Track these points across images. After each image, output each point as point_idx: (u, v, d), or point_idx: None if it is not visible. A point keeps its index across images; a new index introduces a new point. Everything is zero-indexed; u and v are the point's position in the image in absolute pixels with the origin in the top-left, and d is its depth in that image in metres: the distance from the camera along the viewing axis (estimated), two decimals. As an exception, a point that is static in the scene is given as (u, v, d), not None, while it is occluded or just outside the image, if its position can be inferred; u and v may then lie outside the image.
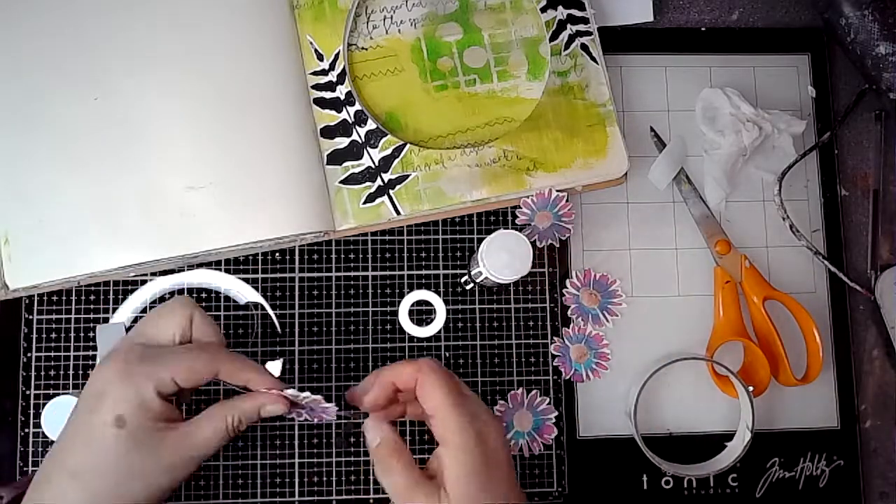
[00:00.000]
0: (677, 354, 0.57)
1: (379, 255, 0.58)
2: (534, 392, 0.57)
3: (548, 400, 0.57)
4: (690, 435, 0.58)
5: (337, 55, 0.57)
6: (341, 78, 0.57)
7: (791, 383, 0.57)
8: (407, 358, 0.57)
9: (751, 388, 0.55)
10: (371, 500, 0.56)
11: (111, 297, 0.56)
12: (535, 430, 0.56)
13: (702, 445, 0.58)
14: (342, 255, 0.58)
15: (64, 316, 0.56)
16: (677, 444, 0.58)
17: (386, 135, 0.57)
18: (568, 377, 0.58)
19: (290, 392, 0.46)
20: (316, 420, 0.53)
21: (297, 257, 0.58)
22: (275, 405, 0.46)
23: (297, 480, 0.56)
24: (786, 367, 0.56)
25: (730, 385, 0.57)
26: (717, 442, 0.57)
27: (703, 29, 0.63)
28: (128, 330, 0.55)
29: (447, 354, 0.57)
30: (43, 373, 0.55)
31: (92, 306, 0.56)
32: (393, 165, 0.56)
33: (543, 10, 0.59)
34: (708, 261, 0.60)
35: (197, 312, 0.47)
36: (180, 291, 0.57)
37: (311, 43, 0.57)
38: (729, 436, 0.57)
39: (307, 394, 0.47)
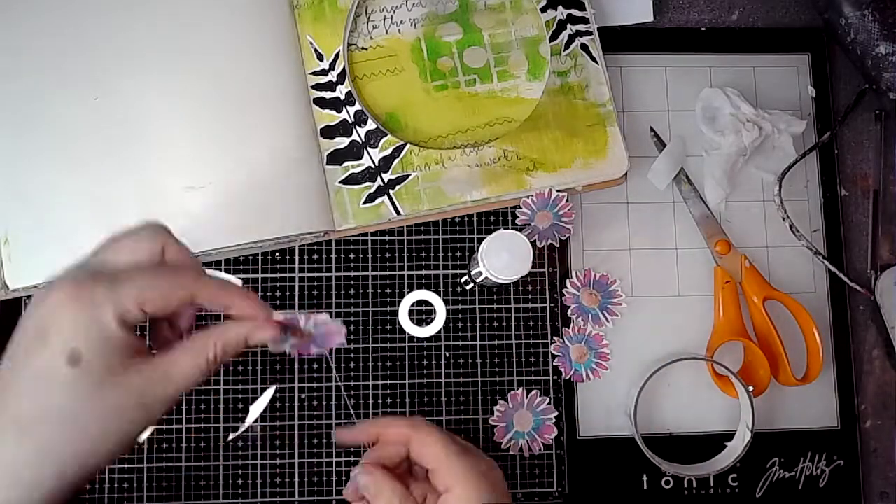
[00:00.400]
0: (677, 354, 0.57)
1: (379, 255, 0.58)
2: (534, 392, 0.57)
3: (548, 400, 0.57)
4: (690, 435, 0.58)
5: (337, 55, 0.57)
6: (341, 78, 0.57)
7: (791, 383, 0.57)
8: (407, 358, 0.57)
9: (751, 388, 0.55)
10: (371, 500, 0.56)
11: (111, 297, 0.56)
12: (535, 430, 0.56)
13: (702, 445, 0.58)
14: (342, 255, 0.58)
15: (64, 316, 0.56)
16: (677, 444, 0.58)
17: (386, 135, 0.57)
18: (568, 377, 0.58)
19: (281, 315, 0.40)
20: (315, 352, 0.43)
21: (297, 257, 0.58)
22: (263, 332, 0.39)
23: (297, 480, 0.56)
24: (786, 367, 0.56)
25: (730, 385, 0.57)
26: (717, 442, 0.57)
27: (703, 29, 0.63)
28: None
29: (447, 354, 0.57)
30: (43, 373, 0.55)
31: (92, 306, 0.56)
32: (393, 165, 0.56)
33: (543, 10, 0.59)
34: (708, 261, 0.60)
35: (170, 241, 0.38)
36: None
37: (311, 43, 0.57)
38: (729, 436, 0.57)
39: (304, 315, 0.41)
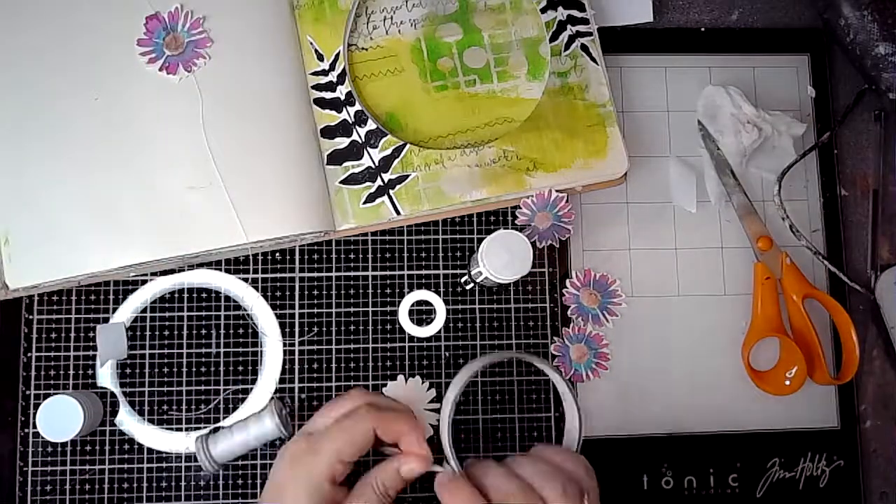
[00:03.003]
0: (679, 354, 0.57)
1: (379, 255, 0.58)
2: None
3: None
4: (690, 435, 0.58)
5: (337, 55, 0.57)
6: (341, 78, 0.57)
7: (826, 382, 0.57)
8: (407, 358, 0.57)
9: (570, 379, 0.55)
10: (371, 501, 0.56)
11: (111, 297, 0.56)
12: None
13: (701, 445, 0.58)
14: (342, 255, 0.58)
15: (64, 316, 0.56)
16: (677, 443, 0.57)
17: (386, 135, 0.57)
18: (568, 377, 0.58)
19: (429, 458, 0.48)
20: None
21: (297, 257, 0.58)
22: (410, 464, 0.48)
23: (297, 480, 0.56)
24: (822, 365, 0.56)
25: (765, 380, 0.57)
26: (716, 442, 0.57)
27: (702, 29, 0.63)
28: (128, 330, 0.56)
29: (447, 354, 0.57)
30: (43, 373, 0.55)
31: (92, 306, 0.56)
32: (393, 165, 0.56)
33: (543, 10, 0.59)
34: (707, 260, 0.60)
35: (371, 402, 0.49)
36: (180, 291, 0.57)
37: (311, 43, 0.57)
38: (728, 437, 0.57)
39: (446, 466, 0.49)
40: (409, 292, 0.58)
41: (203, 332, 0.56)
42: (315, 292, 0.57)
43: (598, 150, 0.58)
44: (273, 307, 0.57)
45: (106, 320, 0.56)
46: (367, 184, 0.56)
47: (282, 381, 0.56)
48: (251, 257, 0.57)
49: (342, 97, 0.57)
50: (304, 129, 0.56)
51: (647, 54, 0.62)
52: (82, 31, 0.55)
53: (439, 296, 0.58)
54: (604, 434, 0.57)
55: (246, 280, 0.57)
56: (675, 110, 0.61)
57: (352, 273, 0.58)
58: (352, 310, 0.57)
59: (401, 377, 0.56)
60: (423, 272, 0.58)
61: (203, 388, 0.56)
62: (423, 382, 0.56)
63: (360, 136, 0.57)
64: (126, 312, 0.56)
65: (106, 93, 0.55)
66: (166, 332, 0.56)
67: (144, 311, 0.56)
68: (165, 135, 0.55)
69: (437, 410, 0.56)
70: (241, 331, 0.57)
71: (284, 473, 0.47)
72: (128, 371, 0.56)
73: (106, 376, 0.56)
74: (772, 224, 0.60)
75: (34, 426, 0.54)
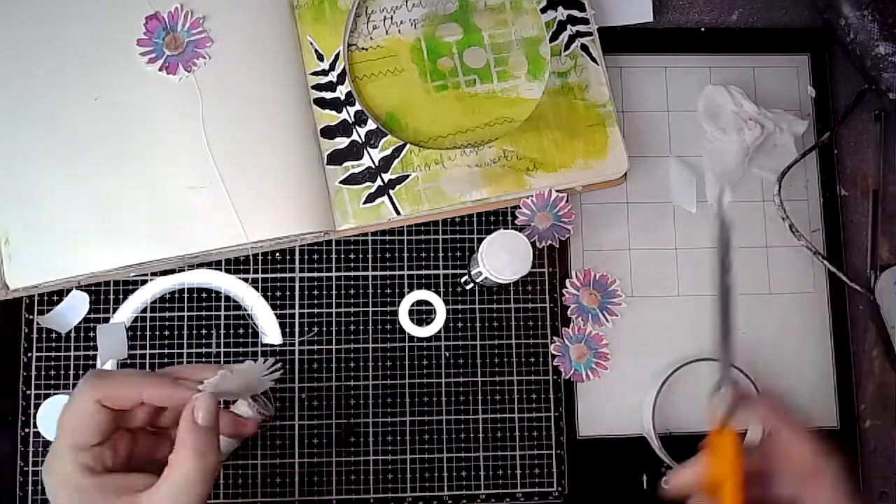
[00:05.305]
0: (680, 353, 0.57)
1: (379, 255, 0.58)
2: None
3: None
4: (691, 435, 0.58)
5: (337, 55, 0.57)
6: (341, 78, 0.57)
7: None
8: (407, 358, 0.57)
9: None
10: (371, 500, 0.56)
11: (111, 297, 0.56)
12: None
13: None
14: (342, 255, 0.58)
15: (64, 316, 0.56)
16: (677, 443, 0.57)
17: (386, 135, 0.57)
18: (568, 377, 0.58)
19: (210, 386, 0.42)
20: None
21: (297, 257, 0.58)
22: (197, 409, 0.42)
23: (297, 480, 0.56)
24: None
25: None
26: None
27: (702, 29, 0.63)
28: (128, 330, 0.56)
29: (447, 354, 0.57)
30: (43, 373, 0.55)
31: (92, 306, 0.56)
32: (393, 165, 0.56)
33: (543, 10, 0.59)
34: (707, 260, 0.60)
35: (104, 388, 0.42)
36: (180, 291, 0.57)
37: (311, 43, 0.57)
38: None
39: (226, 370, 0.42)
40: (409, 292, 0.58)
41: (203, 332, 0.56)
42: (315, 292, 0.57)
43: (598, 150, 0.58)
44: (273, 307, 0.57)
45: (106, 320, 0.56)
46: (367, 184, 0.56)
47: (282, 380, 0.56)
48: (251, 257, 0.57)
49: (342, 97, 0.57)
50: (304, 129, 0.56)
51: (647, 54, 0.62)
52: (82, 31, 0.55)
53: (439, 296, 0.58)
54: (604, 434, 0.57)
55: (246, 280, 0.57)
56: (675, 110, 0.61)
57: (352, 273, 0.58)
58: (352, 310, 0.57)
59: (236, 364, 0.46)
60: (423, 272, 0.58)
61: (203, 388, 0.56)
62: (256, 361, 0.47)
63: (360, 136, 0.57)
64: (126, 312, 0.56)
65: (106, 93, 0.55)
66: (166, 332, 0.56)
67: (144, 311, 0.56)
68: (165, 135, 0.55)
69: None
70: (241, 331, 0.57)
71: (47, 490, 0.42)
72: (128, 371, 0.56)
73: (106, 376, 0.55)
74: (772, 224, 0.60)
75: (34, 426, 0.54)
